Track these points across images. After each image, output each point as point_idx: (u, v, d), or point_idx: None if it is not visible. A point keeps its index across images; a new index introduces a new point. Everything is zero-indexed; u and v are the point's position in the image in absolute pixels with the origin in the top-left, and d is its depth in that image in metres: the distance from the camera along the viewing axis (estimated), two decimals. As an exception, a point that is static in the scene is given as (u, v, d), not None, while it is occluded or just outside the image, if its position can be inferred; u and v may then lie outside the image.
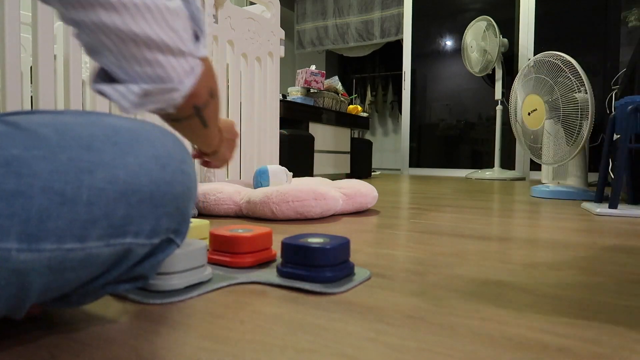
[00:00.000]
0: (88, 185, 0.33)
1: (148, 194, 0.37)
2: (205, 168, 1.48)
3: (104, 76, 0.38)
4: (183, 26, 0.36)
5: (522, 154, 3.61)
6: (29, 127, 0.33)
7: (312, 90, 2.91)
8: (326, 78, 3.22)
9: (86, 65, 1.92)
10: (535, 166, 3.56)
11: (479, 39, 3.37)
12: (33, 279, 0.32)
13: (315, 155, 2.79)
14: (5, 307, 0.32)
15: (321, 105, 2.91)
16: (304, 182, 1.38)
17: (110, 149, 0.35)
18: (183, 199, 0.40)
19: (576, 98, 1.76)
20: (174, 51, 0.36)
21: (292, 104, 2.56)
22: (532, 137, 1.97)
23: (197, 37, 0.39)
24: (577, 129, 1.76)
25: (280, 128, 2.32)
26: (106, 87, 0.37)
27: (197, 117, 0.45)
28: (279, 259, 0.67)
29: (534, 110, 1.91)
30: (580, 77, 1.74)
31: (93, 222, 0.33)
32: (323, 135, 2.89)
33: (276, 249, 0.76)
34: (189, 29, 0.38)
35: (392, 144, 5.51)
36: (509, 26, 3.65)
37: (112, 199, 0.34)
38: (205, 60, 0.41)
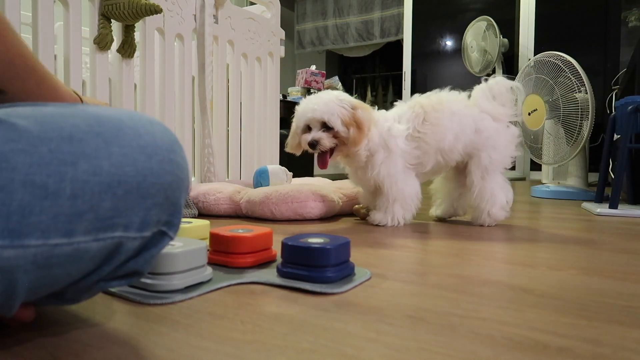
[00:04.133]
0: (71, 178, 0.32)
1: (135, 185, 0.35)
2: (206, 168, 1.48)
3: None
4: None
5: (522, 154, 3.60)
6: (8, 119, 0.32)
7: (312, 91, 2.91)
8: (326, 78, 3.22)
9: (86, 65, 1.92)
10: (535, 166, 3.56)
11: (479, 39, 3.36)
12: (19, 276, 0.31)
13: (316, 155, 2.79)
14: None
15: (321, 105, 2.91)
16: (304, 182, 1.38)
17: (93, 139, 0.34)
18: (172, 189, 0.39)
19: (576, 98, 1.76)
20: None
21: (292, 104, 2.56)
22: (532, 137, 1.97)
23: None
24: (577, 129, 1.76)
25: (280, 128, 2.32)
26: None
27: None
28: (279, 259, 0.67)
29: (534, 110, 1.91)
30: (581, 77, 1.74)
31: (79, 215, 0.32)
32: (323, 135, 2.88)
33: (276, 249, 0.76)
34: None
35: (392, 144, 5.50)
36: (509, 26, 3.65)
37: (97, 191, 0.33)
38: None
